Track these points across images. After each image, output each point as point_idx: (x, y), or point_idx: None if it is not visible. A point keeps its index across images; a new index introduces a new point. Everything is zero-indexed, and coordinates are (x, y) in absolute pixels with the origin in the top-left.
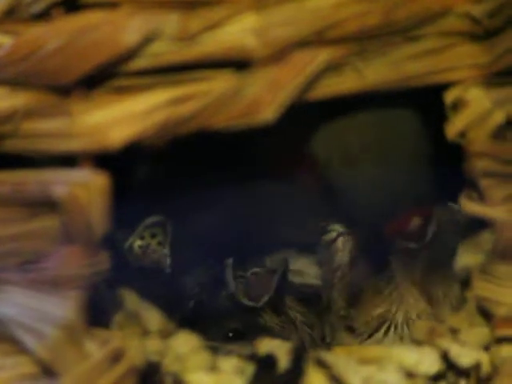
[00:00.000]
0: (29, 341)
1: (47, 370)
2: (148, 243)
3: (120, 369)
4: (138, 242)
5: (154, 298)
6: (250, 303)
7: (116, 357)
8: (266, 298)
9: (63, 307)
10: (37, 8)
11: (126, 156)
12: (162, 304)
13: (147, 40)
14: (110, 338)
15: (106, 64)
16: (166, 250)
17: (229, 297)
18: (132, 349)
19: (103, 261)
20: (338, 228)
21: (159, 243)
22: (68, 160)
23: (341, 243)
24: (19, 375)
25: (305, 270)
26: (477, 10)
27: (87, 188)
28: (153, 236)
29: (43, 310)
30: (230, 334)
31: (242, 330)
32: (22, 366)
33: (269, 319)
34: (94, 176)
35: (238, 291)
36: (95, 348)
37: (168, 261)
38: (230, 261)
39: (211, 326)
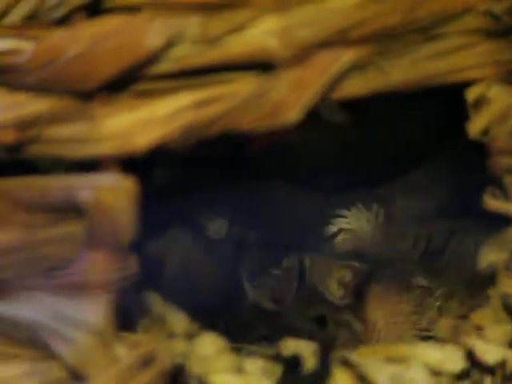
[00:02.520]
0: (57, 346)
1: (75, 376)
2: None
3: (150, 373)
4: None
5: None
6: (274, 307)
7: (146, 361)
8: (289, 300)
9: (92, 312)
10: (58, 13)
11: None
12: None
13: (170, 43)
14: (140, 342)
15: (129, 68)
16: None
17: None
18: (161, 352)
19: (132, 265)
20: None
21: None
22: (90, 165)
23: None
24: (47, 381)
25: None
26: (497, 8)
27: (113, 192)
28: None
29: (71, 316)
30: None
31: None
32: (50, 372)
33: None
34: (120, 180)
35: (258, 297)
36: (125, 352)
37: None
38: (244, 268)
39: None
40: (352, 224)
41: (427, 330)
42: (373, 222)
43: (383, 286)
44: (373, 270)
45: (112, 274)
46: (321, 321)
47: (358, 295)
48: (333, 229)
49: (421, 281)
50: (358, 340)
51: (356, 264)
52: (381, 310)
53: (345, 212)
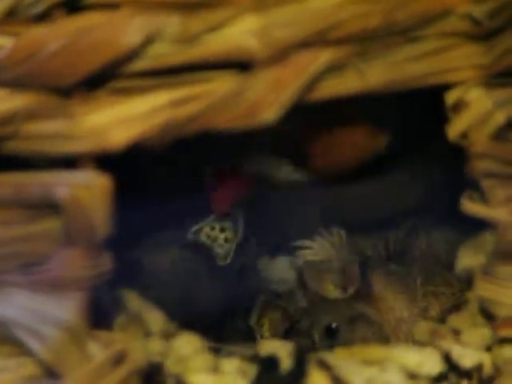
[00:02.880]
0: (31, 342)
1: (50, 372)
2: (216, 236)
3: (123, 370)
4: (207, 230)
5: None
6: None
7: (119, 358)
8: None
9: (65, 309)
10: (37, 9)
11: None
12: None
13: (148, 41)
14: (113, 340)
15: (107, 65)
16: (230, 247)
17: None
18: (134, 350)
19: (106, 262)
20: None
21: (226, 239)
22: (69, 162)
23: None
24: (21, 377)
25: None
26: (477, 11)
27: (89, 189)
28: (222, 230)
29: (45, 312)
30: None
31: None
32: (25, 368)
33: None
34: (96, 177)
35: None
36: (98, 350)
37: (228, 259)
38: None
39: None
40: (319, 254)
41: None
42: (337, 245)
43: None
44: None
45: (86, 271)
46: (330, 331)
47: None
48: (299, 262)
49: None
50: (379, 331)
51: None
52: (384, 283)
53: (309, 243)
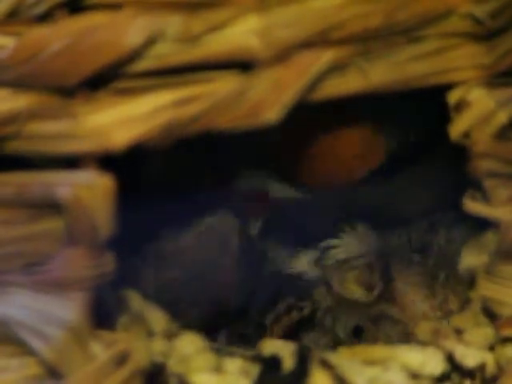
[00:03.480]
0: (34, 342)
1: (52, 372)
2: None
3: (126, 371)
4: None
5: None
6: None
7: (122, 359)
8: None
9: (68, 309)
10: (40, 9)
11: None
12: None
13: (150, 41)
14: (116, 340)
15: (109, 66)
16: None
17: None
18: (137, 350)
19: (108, 262)
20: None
21: None
22: (71, 162)
23: None
24: (24, 377)
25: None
26: (479, 11)
27: (91, 189)
28: None
29: (48, 312)
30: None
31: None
32: (27, 368)
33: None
34: (98, 177)
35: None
36: (101, 350)
37: None
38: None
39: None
40: (346, 252)
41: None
42: (364, 240)
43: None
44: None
45: (88, 271)
46: (357, 331)
47: (386, 283)
48: (328, 261)
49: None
50: (403, 330)
51: (363, 260)
52: (407, 283)
53: (335, 242)
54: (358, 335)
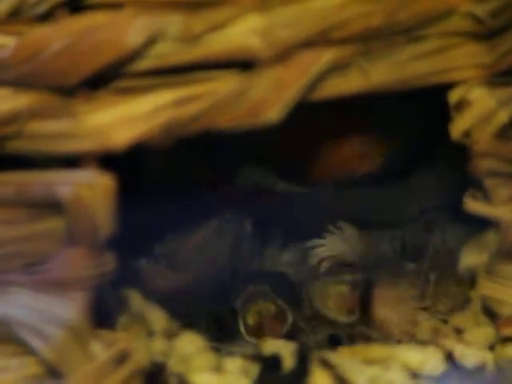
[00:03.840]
0: (34, 342)
1: (53, 371)
2: None
3: (125, 370)
4: None
5: None
6: (343, 319)
7: (122, 358)
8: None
9: (68, 309)
10: (41, 9)
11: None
12: None
13: (151, 41)
14: (116, 340)
15: (110, 65)
16: None
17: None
18: (137, 350)
19: (108, 262)
20: None
21: None
22: (72, 161)
23: None
24: (24, 376)
25: None
26: (480, 10)
27: (92, 189)
28: None
29: (48, 312)
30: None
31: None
32: (28, 367)
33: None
34: (99, 177)
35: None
36: (101, 349)
37: None
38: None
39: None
40: (332, 251)
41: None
42: (350, 241)
43: (381, 285)
44: (368, 277)
45: (89, 271)
46: (334, 339)
47: (364, 305)
48: (315, 259)
49: (410, 266)
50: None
51: (349, 277)
52: (386, 306)
53: (321, 241)
54: (334, 343)
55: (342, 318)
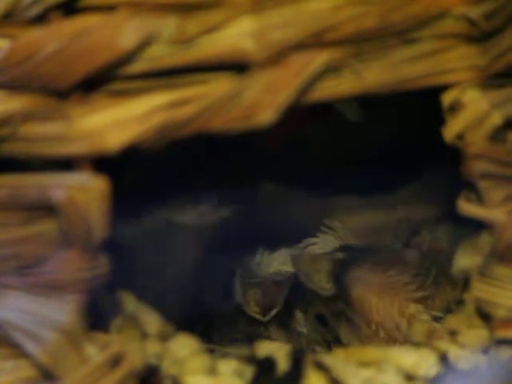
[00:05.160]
0: (28, 345)
1: (47, 374)
2: None
3: (120, 373)
4: None
5: None
6: (257, 316)
7: (116, 361)
8: (273, 313)
9: (62, 311)
10: (34, 11)
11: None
12: None
13: (144, 43)
14: (110, 342)
15: (104, 67)
16: None
17: (236, 306)
18: (131, 352)
19: (103, 265)
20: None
21: None
22: (65, 164)
23: None
24: (18, 379)
25: None
26: (474, 12)
27: (86, 192)
28: None
29: (42, 314)
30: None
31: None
32: (22, 370)
33: (274, 333)
34: (93, 179)
35: (244, 301)
36: (95, 352)
37: None
38: (239, 269)
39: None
40: (325, 248)
41: (423, 299)
42: (341, 237)
43: (367, 269)
44: (351, 257)
45: (83, 273)
46: (321, 319)
47: (340, 283)
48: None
49: (411, 254)
50: (361, 334)
51: (339, 255)
52: (371, 291)
53: (313, 240)
54: (323, 324)
55: (325, 292)
